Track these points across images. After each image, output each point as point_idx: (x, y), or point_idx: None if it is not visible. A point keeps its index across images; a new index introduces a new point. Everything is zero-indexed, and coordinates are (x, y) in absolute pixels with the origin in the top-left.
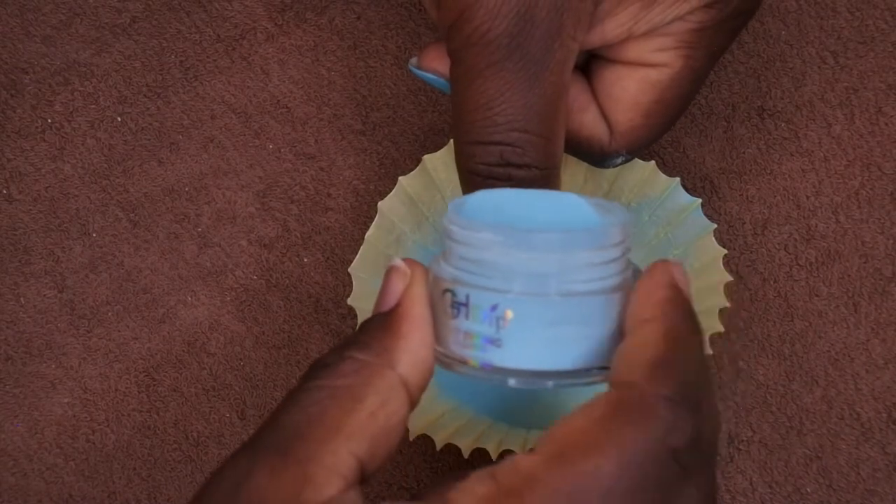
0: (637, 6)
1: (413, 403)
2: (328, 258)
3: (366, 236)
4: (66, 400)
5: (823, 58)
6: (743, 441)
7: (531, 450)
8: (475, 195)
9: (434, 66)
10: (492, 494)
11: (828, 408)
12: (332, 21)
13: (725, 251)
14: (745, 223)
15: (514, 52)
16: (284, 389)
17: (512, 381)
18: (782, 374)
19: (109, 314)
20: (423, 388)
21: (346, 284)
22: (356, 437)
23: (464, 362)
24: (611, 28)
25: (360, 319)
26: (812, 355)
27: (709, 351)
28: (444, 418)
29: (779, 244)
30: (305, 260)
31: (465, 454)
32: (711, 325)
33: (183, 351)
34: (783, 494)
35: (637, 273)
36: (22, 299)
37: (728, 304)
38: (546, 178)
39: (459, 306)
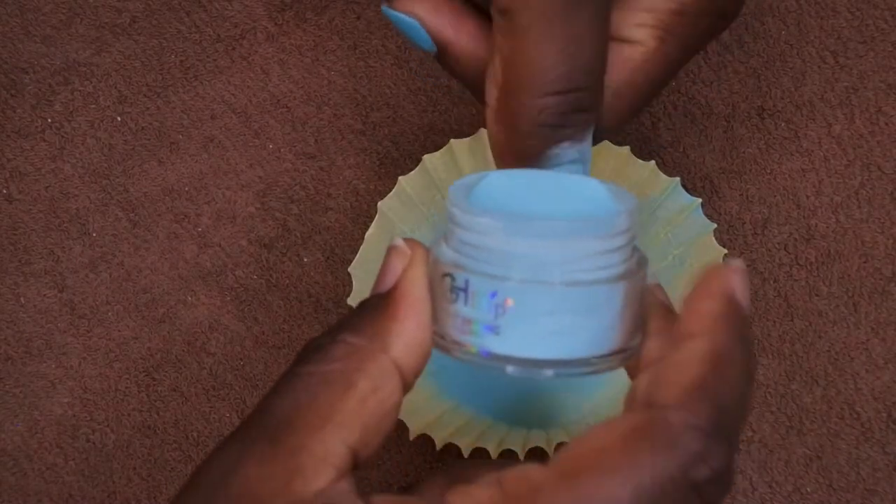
0: None
1: (407, 388)
2: (328, 258)
3: (366, 236)
4: (66, 400)
5: (823, 58)
6: (743, 441)
7: (545, 462)
8: (488, 178)
9: (411, 8)
10: (495, 502)
11: (828, 408)
12: (332, 21)
13: (725, 251)
14: (745, 223)
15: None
16: None
17: (510, 369)
18: (782, 374)
19: (109, 314)
20: (418, 373)
21: (346, 284)
22: (347, 425)
23: (462, 348)
24: None
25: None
26: (812, 355)
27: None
28: (444, 418)
29: (779, 244)
30: (305, 260)
31: (465, 454)
32: None
33: (183, 351)
34: (783, 494)
35: (644, 261)
36: (22, 299)
37: None
38: (595, 119)
39: (458, 291)
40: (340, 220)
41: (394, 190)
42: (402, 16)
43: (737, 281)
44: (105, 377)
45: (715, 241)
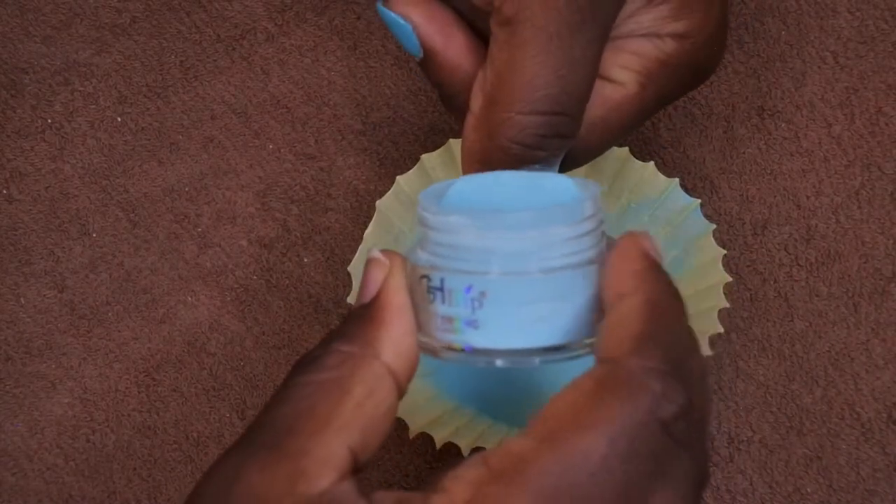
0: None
1: (401, 391)
2: (328, 258)
3: (364, 235)
4: (66, 400)
5: (823, 58)
6: (743, 441)
7: (522, 433)
8: (456, 184)
9: (406, 11)
10: (483, 478)
11: (828, 408)
12: (332, 21)
13: (725, 251)
14: (745, 223)
15: (596, 15)
16: None
17: (499, 362)
18: (782, 374)
19: (109, 314)
20: (409, 376)
21: (346, 284)
22: (347, 428)
23: (447, 347)
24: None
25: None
26: (812, 355)
27: (708, 352)
28: (445, 417)
29: (779, 244)
30: (305, 260)
31: (465, 453)
32: (711, 325)
33: (183, 351)
34: (783, 494)
35: (612, 244)
36: (22, 299)
37: (728, 305)
38: (568, 146)
39: (435, 291)
40: (340, 220)
41: (392, 189)
42: (396, 17)
43: (648, 241)
44: (105, 377)
45: (714, 242)
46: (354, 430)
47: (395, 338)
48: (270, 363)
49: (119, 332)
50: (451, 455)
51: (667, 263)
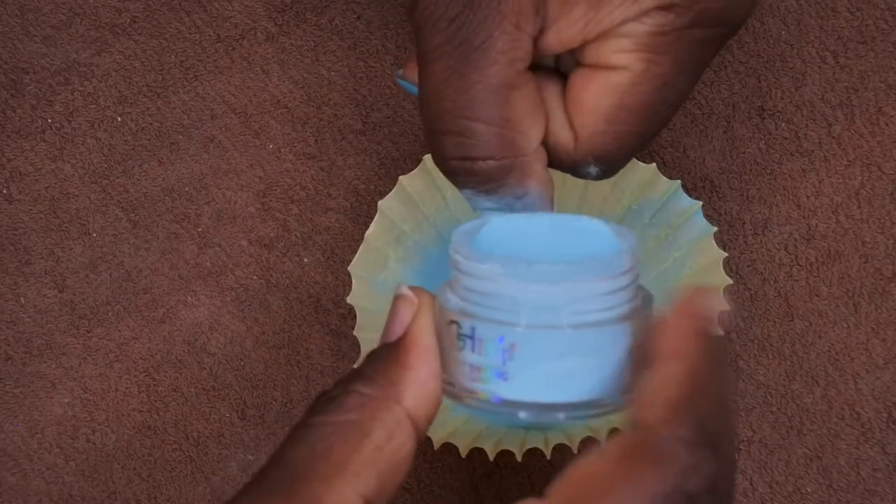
0: (584, 6)
1: (420, 437)
2: (328, 258)
3: (365, 235)
4: (66, 400)
5: (823, 58)
6: (743, 441)
7: (544, 494)
8: (490, 224)
9: (414, 77)
10: None
11: (828, 408)
12: (332, 21)
13: (726, 254)
14: (745, 223)
15: (455, 36)
16: (284, 389)
17: (522, 415)
18: (782, 374)
19: (109, 314)
20: (429, 421)
21: (346, 284)
22: (363, 475)
23: (473, 395)
24: (565, 28)
25: (359, 318)
26: (812, 355)
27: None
28: (443, 418)
29: (779, 244)
30: (305, 260)
31: (463, 454)
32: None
33: (183, 351)
34: (783, 494)
35: (649, 299)
36: (22, 299)
37: (729, 308)
38: (508, 169)
39: (465, 338)
40: (340, 220)
41: (394, 189)
42: (409, 84)
43: (710, 301)
44: (105, 377)
45: (715, 245)
46: (371, 476)
47: (418, 382)
48: (270, 363)
49: (119, 332)
50: (450, 455)
51: (668, 267)
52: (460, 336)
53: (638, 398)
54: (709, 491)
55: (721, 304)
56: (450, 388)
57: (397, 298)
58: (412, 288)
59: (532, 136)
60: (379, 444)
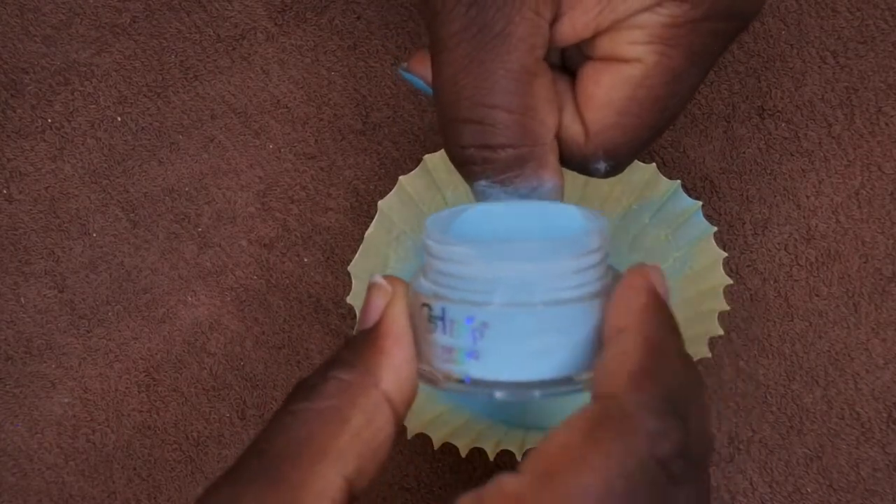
0: None
1: (399, 420)
2: (328, 258)
3: (365, 235)
4: (66, 400)
5: (823, 58)
6: (743, 441)
7: (518, 470)
8: (467, 212)
9: (420, 71)
10: None
11: (828, 408)
12: (332, 21)
13: (725, 254)
14: (745, 223)
15: (474, 22)
16: (284, 389)
17: (498, 394)
18: (782, 374)
19: (109, 314)
20: (408, 405)
21: (346, 284)
22: (344, 458)
23: (447, 377)
24: (580, 15)
25: (359, 318)
26: (812, 355)
27: (707, 354)
28: (443, 417)
29: (779, 244)
30: (305, 260)
31: (463, 454)
32: (711, 328)
33: (183, 351)
34: (783, 494)
35: (618, 277)
36: (22, 299)
37: (728, 308)
38: (525, 159)
39: (436, 320)
40: (340, 220)
41: (394, 189)
42: (414, 78)
43: (655, 275)
44: (105, 377)
45: (715, 244)
46: (351, 459)
47: (395, 366)
48: (270, 363)
49: (119, 332)
50: (450, 455)
51: (668, 266)
52: (431, 318)
53: (598, 372)
54: (680, 455)
55: (721, 305)
56: (425, 371)
57: (371, 287)
58: (386, 276)
59: (549, 125)
60: (359, 428)
